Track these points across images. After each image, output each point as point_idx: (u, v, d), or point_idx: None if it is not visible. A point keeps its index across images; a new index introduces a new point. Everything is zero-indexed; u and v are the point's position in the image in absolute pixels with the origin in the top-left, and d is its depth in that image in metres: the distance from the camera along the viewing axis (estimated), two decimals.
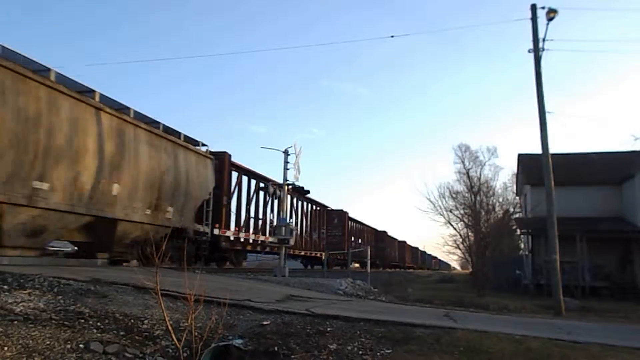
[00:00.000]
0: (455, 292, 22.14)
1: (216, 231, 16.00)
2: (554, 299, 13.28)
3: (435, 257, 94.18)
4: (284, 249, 16.32)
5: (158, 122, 13.10)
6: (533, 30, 14.30)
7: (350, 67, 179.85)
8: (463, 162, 33.01)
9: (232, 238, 17.46)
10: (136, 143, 11.90)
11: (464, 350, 4.96)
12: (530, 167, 27.36)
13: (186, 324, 4.35)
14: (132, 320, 4.93)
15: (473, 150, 33.49)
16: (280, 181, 16.46)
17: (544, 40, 14.09)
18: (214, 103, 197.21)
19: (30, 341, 3.76)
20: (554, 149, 15.94)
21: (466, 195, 31.97)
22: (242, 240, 18.24)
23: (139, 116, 12.32)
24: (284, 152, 16.27)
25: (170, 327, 3.95)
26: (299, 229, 24.39)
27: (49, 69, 9.66)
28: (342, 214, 31.44)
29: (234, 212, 18.33)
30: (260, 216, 20.43)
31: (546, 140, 13.90)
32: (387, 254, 44.71)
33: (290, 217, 22.96)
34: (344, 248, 27.61)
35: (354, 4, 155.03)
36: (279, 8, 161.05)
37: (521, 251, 34.26)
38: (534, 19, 14.28)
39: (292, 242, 16.97)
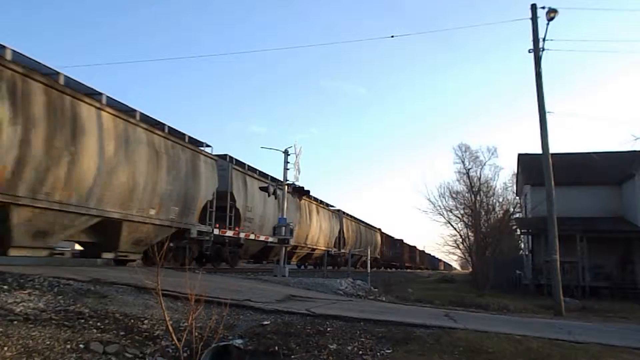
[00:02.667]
0: (455, 292, 22.08)
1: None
2: (554, 299, 13.27)
3: (441, 260, 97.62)
4: (284, 249, 16.30)
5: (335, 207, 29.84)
6: (533, 30, 14.25)
7: (349, 67, 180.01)
8: (463, 162, 32.96)
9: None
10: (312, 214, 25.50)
11: (464, 350, 4.96)
12: (530, 167, 27.34)
13: (186, 324, 4.35)
14: (132, 320, 4.93)
15: (473, 150, 33.42)
16: None
17: (544, 40, 14.04)
18: (214, 103, 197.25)
19: (30, 341, 3.76)
20: (554, 149, 15.91)
21: (466, 195, 31.95)
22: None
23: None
24: (284, 152, 16.22)
25: (170, 327, 3.95)
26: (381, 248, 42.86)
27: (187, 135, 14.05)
28: (401, 241, 51.60)
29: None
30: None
31: (546, 140, 13.87)
32: (414, 260, 64.68)
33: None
34: (401, 258, 51.04)
35: (353, 3, 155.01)
36: (279, 8, 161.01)
37: (521, 251, 34.26)
38: (534, 18, 14.22)
39: (292, 241, 16.98)
